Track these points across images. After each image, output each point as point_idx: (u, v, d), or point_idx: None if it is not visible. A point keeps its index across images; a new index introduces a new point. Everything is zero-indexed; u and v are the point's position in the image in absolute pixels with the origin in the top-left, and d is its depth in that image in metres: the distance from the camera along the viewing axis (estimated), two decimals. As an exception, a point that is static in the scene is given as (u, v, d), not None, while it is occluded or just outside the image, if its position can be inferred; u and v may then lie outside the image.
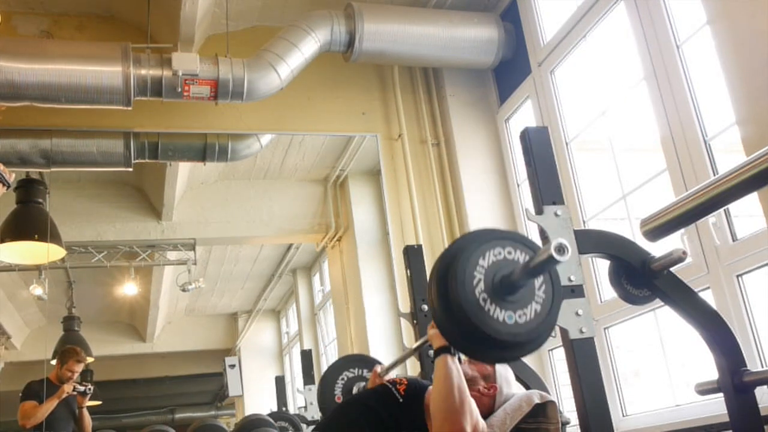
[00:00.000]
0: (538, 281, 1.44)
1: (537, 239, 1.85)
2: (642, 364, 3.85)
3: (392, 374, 2.80)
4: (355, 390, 3.15)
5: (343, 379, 3.17)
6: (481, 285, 1.40)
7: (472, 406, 1.94)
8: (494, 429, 2.16)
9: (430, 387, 2.09)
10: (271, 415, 4.98)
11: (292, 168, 5.35)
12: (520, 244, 1.47)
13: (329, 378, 3.18)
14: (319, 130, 4.76)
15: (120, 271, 5.56)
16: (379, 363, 3.00)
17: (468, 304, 1.37)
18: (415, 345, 2.57)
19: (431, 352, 2.86)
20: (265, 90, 3.97)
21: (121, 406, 7.66)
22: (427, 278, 1.49)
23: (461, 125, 4.59)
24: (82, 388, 4.39)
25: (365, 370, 3.18)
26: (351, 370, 3.21)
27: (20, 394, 4.33)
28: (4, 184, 2.09)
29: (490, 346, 1.40)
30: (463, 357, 2.13)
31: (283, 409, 5.72)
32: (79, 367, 4.47)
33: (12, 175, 2.15)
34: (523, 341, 1.41)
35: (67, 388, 4.33)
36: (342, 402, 2.58)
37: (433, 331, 2.10)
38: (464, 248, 1.43)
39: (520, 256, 1.45)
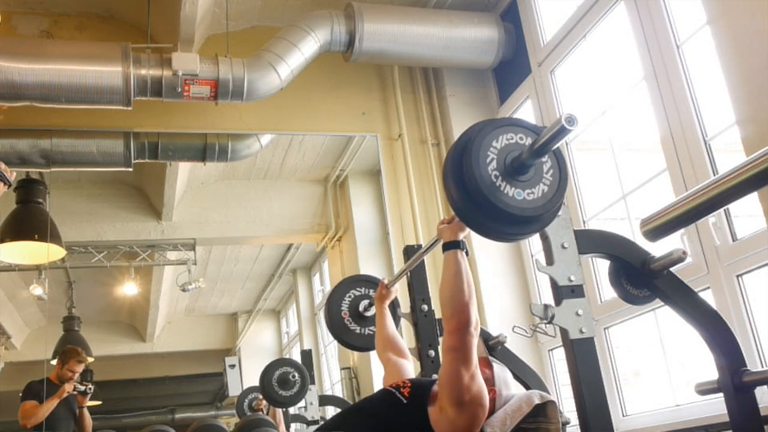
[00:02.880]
0: (546, 165, 1.58)
1: (537, 238, 1.85)
2: (642, 364, 3.85)
3: (397, 286, 2.81)
4: (361, 307, 3.11)
5: (349, 296, 3.15)
6: (494, 164, 1.54)
7: (475, 299, 1.97)
8: (494, 429, 2.16)
9: (437, 379, 2.09)
10: (276, 362, 4.89)
11: (292, 168, 5.35)
12: (531, 131, 1.59)
13: (336, 296, 3.15)
14: (319, 130, 4.76)
15: (120, 271, 5.56)
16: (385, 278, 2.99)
17: (482, 179, 1.51)
18: (423, 248, 2.58)
19: (431, 352, 2.88)
20: (265, 90, 3.97)
21: (121, 406, 7.65)
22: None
23: (461, 125, 4.59)
24: (82, 388, 4.38)
25: (371, 290, 3.16)
26: (357, 289, 3.18)
27: (20, 394, 4.33)
28: (5, 183, 2.07)
29: (501, 220, 1.54)
30: None
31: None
32: (80, 368, 4.46)
33: (13, 174, 2.12)
34: (531, 216, 1.55)
35: (68, 388, 4.32)
36: (345, 410, 2.56)
37: (443, 226, 2.09)
38: (479, 130, 1.56)
39: (530, 141, 1.58)
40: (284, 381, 4.59)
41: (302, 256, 6.54)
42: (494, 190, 1.51)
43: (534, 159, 1.54)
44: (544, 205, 1.54)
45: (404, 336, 3.34)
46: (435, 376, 2.27)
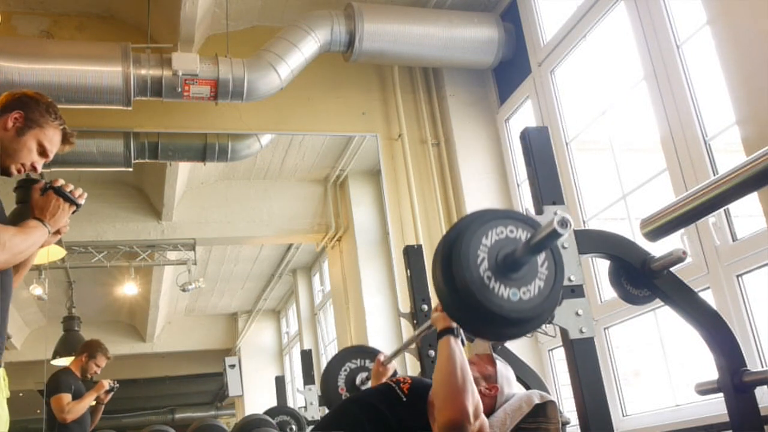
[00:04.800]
0: (541, 258, 1.47)
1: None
2: (642, 364, 3.85)
3: (394, 363, 2.81)
4: (358, 381, 3.14)
5: (345, 370, 3.17)
6: (485, 263, 1.42)
7: (474, 388, 1.96)
8: (494, 429, 2.16)
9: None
10: (272, 409, 4.95)
11: (292, 168, 5.36)
12: (521, 222, 1.49)
13: (331, 371, 3.18)
14: (319, 130, 4.76)
15: (120, 271, 5.57)
16: (381, 352, 3.00)
17: (473, 283, 1.39)
18: (418, 330, 2.58)
19: (431, 352, 2.89)
20: (265, 90, 3.97)
21: (121, 406, 7.66)
22: (432, 263, 1.51)
23: (461, 125, 4.59)
24: (113, 385, 4.39)
25: (367, 361, 3.18)
26: (353, 361, 3.21)
27: (48, 387, 4.26)
28: (72, 204, 2.01)
29: (496, 323, 1.43)
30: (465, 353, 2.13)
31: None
32: (104, 364, 4.45)
33: (83, 197, 2.05)
34: (528, 317, 1.44)
35: (106, 384, 4.32)
36: (344, 400, 2.58)
37: (436, 314, 2.12)
38: (467, 228, 1.44)
39: (522, 234, 1.47)
40: (282, 430, 4.62)
41: (302, 256, 6.55)
42: (488, 294, 1.39)
43: (529, 257, 1.43)
44: (541, 303, 1.43)
45: (404, 336, 3.34)
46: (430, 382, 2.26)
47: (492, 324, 1.43)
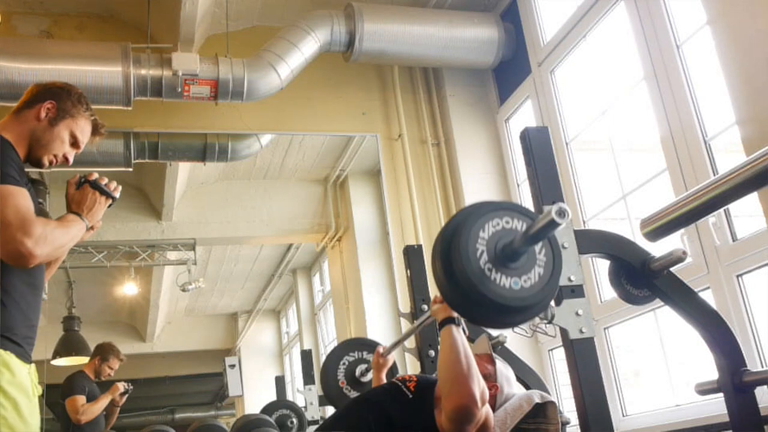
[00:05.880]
0: (538, 246, 1.50)
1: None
2: (642, 364, 3.85)
3: (393, 354, 2.81)
4: (357, 373, 3.13)
5: (344, 363, 3.17)
6: (485, 256, 1.45)
7: (479, 375, 1.97)
8: (495, 428, 2.16)
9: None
10: (272, 404, 4.93)
11: (292, 168, 5.36)
12: (517, 212, 1.51)
13: (330, 364, 3.17)
14: (319, 130, 4.76)
15: (120, 271, 5.57)
16: (380, 344, 3.00)
17: (474, 275, 1.42)
18: (417, 322, 2.59)
19: (431, 352, 2.88)
20: (265, 90, 3.97)
21: (121, 405, 7.61)
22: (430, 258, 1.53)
23: (461, 125, 4.59)
24: (127, 388, 4.48)
25: (365, 353, 3.18)
26: (351, 354, 3.21)
27: (63, 389, 4.35)
28: (108, 198, 1.97)
29: (500, 313, 1.46)
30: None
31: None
32: (117, 366, 4.56)
33: (118, 189, 2.00)
34: (531, 304, 1.47)
35: (120, 387, 4.42)
36: (350, 400, 2.58)
37: (436, 306, 2.14)
38: (463, 222, 1.47)
39: (518, 224, 1.49)
40: (282, 425, 4.61)
41: (302, 256, 6.55)
42: (489, 284, 1.42)
43: (527, 246, 1.46)
44: (543, 289, 1.47)
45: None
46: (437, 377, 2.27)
47: (496, 313, 1.46)
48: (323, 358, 3.33)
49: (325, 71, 4.48)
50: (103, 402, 4.33)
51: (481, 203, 1.53)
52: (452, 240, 1.46)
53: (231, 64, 3.88)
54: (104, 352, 4.53)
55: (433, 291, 3.10)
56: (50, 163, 1.97)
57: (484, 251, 1.44)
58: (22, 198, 1.70)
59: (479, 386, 1.93)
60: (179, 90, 3.81)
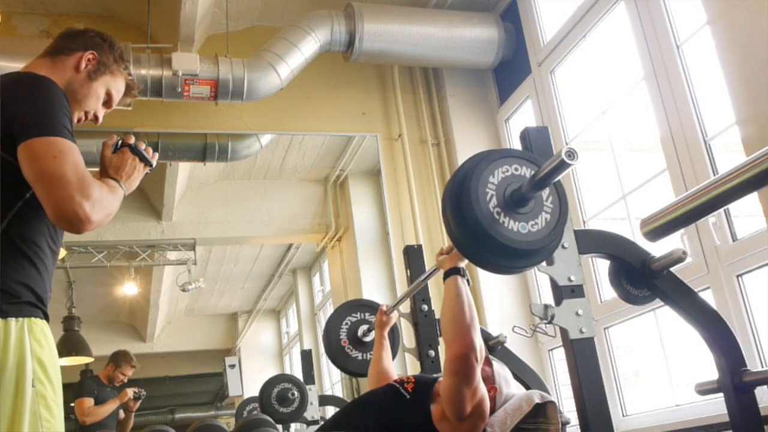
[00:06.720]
0: (545, 193, 1.55)
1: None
2: (642, 364, 3.85)
3: (396, 313, 2.81)
4: (359, 333, 3.14)
5: (346, 323, 3.18)
6: (494, 200, 1.50)
7: (479, 327, 1.97)
8: (495, 429, 2.16)
9: (439, 378, 2.10)
10: (273, 378, 4.87)
11: (292, 168, 5.35)
12: (525, 160, 1.57)
13: (333, 325, 3.18)
14: (319, 130, 4.76)
15: (120, 271, 5.57)
16: (382, 304, 3.00)
17: (484, 219, 1.47)
18: (423, 276, 2.60)
19: (431, 352, 2.88)
20: (265, 90, 3.97)
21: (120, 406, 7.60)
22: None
23: (461, 125, 4.60)
24: (138, 394, 4.64)
25: (367, 314, 3.18)
26: (354, 314, 3.22)
27: (74, 390, 4.47)
28: (147, 165, 1.79)
29: (509, 255, 1.51)
30: None
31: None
32: (131, 372, 4.77)
33: (155, 156, 1.82)
34: (539, 248, 1.52)
35: (130, 393, 4.60)
36: (349, 402, 2.58)
37: (442, 257, 2.14)
38: (473, 168, 1.52)
39: (526, 171, 1.55)
40: (283, 398, 4.59)
41: (302, 256, 6.54)
42: (498, 227, 1.47)
43: (535, 192, 1.51)
44: (549, 234, 1.53)
45: (404, 336, 3.34)
46: (435, 375, 2.27)
47: (505, 257, 1.51)
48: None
49: (325, 71, 4.48)
50: (110, 406, 4.50)
51: (491, 151, 1.57)
52: (462, 185, 1.51)
53: (231, 64, 3.88)
54: (118, 359, 4.76)
55: (434, 291, 3.11)
56: (79, 120, 1.81)
57: (493, 195, 1.50)
58: (79, 154, 1.54)
59: (479, 339, 1.93)
60: (179, 90, 3.81)
